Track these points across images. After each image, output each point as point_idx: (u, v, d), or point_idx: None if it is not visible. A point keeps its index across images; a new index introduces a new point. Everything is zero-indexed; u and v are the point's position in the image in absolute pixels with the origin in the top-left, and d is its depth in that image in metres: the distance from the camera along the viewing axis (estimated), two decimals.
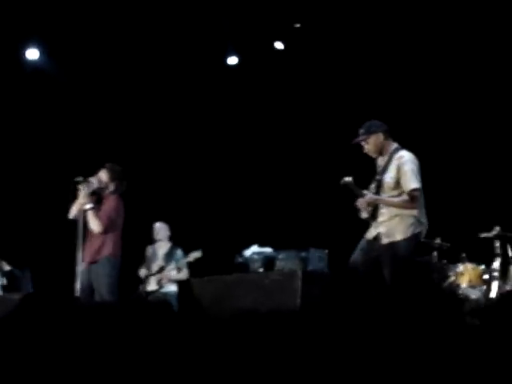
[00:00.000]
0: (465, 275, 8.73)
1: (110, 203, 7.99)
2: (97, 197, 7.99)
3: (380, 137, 7.21)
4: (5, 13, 10.12)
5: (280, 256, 8.62)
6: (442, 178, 10.04)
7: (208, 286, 5.25)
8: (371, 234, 7.10)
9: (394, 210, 7.04)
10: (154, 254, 10.11)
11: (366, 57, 11.02)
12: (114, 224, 7.92)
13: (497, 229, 8.65)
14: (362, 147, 7.28)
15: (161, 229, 10.19)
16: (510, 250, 9.02)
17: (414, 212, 7.01)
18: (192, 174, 11.99)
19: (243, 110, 11.95)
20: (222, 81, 11.85)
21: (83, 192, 7.82)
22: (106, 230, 7.84)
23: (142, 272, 9.99)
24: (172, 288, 9.73)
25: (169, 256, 9.97)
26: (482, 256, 8.91)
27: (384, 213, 7.07)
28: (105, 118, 11.60)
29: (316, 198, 11.33)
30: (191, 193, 11.88)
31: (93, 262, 7.82)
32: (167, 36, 11.06)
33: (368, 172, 7.31)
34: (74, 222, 7.82)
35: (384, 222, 7.03)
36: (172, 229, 10.35)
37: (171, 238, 10.18)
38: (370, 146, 7.23)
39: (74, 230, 7.85)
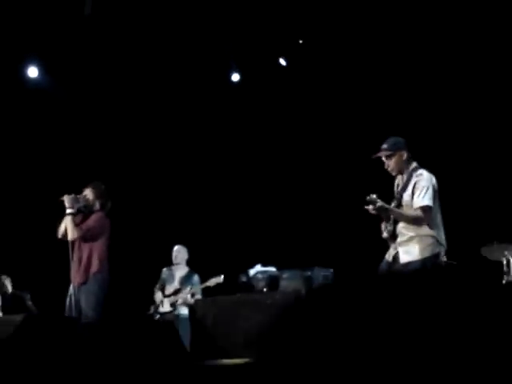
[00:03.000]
0: None
1: (94, 218, 8.00)
2: (83, 215, 7.99)
3: (403, 155, 7.09)
4: (4, 31, 10.10)
5: (284, 275, 8.55)
6: (447, 196, 9.98)
7: (211, 306, 5.17)
8: (390, 254, 7.01)
9: (412, 230, 6.94)
10: (171, 276, 10.09)
11: (369, 72, 10.94)
12: (94, 238, 7.89)
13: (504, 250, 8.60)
14: (383, 162, 7.17)
15: (180, 252, 10.16)
16: None
17: (433, 232, 6.91)
18: (195, 194, 11.93)
19: (247, 130, 11.91)
20: (225, 100, 11.82)
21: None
22: (83, 239, 7.82)
23: (158, 294, 9.99)
24: (185, 311, 9.65)
25: (185, 280, 9.95)
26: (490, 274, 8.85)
27: (403, 233, 6.98)
28: (110, 138, 11.59)
29: (322, 216, 11.26)
30: (195, 213, 11.82)
31: (82, 283, 7.81)
32: (169, 53, 11.03)
33: (370, 190, 7.26)
34: (65, 241, 7.87)
35: (402, 242, 6.92)
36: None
37: (189, 263, 10.17)
38: (392, 162, 7.09)
39: (65, 250, 7.89)
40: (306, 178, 11.46)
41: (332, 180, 11.15)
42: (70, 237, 7.80)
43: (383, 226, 7.18)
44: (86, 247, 7.88)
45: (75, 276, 7.84)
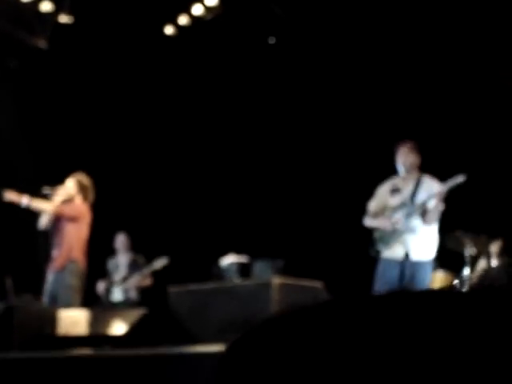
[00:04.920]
0: (435, 282, 8.84)
1: (72, 204, 8.17)
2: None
3: (417, 161, 7.51)
4: None
5: (256, 265, 8.69)
6: None
7: (185, 296, 5.33)
8: (399, 252, 7.30)
9: (429, 229, 7.34)
10: (116, 264, 10.12)
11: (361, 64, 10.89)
12: (71, 223, 8.03)
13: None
14: (398, 150, 7.49)
15: (121, 239, 10.20)
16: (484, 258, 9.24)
17: (437, 234, 7.38)
18: (169, 182, 11.90)
19: (220, 117, 11.90)
20: (198, 88, 11.81)
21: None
22: (58, 214, 8.01)
23: (101, 284, 10.00)
24: (135, 297, 9.79)
25: (131, 266, 9.97)
26: (453, 263, 9.02)
27: (421, 230, 7.34)
28: (71, 127, 11.54)
29: (294, 206, 11.32)
30: (167, 202, 11.81)
31: (59, 270, 7.94)
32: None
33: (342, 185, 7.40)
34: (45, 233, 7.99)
35: (418, 238, 7.31)
36: (148, 239, 10.37)
37: (133, 248, 10.18)
38: (414, 156, 7.49)
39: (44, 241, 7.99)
40: (280, 167, 11.48)
41: (305, 171, 11.21)
42: (45, 210, 7.97)
43: (397, 217, 7.38)
44: (65, 235, 8.01)
45: (53, 263, 7.98)
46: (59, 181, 8.34)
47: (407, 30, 10.34)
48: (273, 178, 11.45)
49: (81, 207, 8.20)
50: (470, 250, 8.73)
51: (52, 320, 6.10)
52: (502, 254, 9.40)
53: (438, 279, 8.87)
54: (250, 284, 4.99)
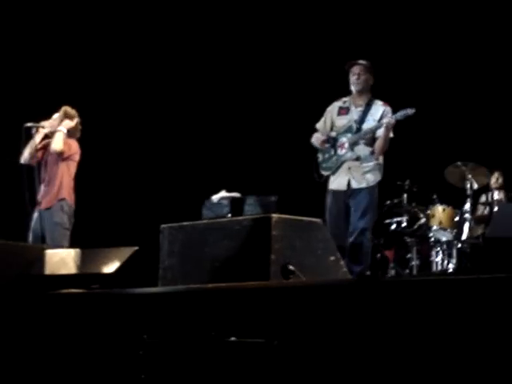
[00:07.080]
0: (435, 217, 8.68)
1: (70, 141, 7.91)
2: (49, 141, 7.91)
3: (371, 80, 7.33)
4: None
5: (248, 201, 8.54)
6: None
7: (179, 233, 5.11)
8: (340, 183, 7.23)
9: (375, 158, 7.23)
10: None
11: None
12: (60, 159, 7.81)
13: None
14: (350, 71, 7.33)
15: None
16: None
17: (382, 163, 7.26)
18: (158, 124, 11.67)
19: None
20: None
21: (36, 137, 7.73)
22: (63, 156, 7.78)
23: None
24: None
25: None
26: (453, 198, 8.89)
27: (368, 159, 7.24)
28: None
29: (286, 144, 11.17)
30: (158, 143, 11.60)
31: (47, 208, 7.71)
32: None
33: None
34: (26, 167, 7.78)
35: (362, 167, 7.20)
36: (139, 180, 10.17)
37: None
38: (365, 78, 7.29)
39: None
40: (268, 104, 11.31)
41: (292, 107, 11.01)
42: (56, 149, 7.71)
43: (345, 146, 7.19)
44: (57, 171, 7.79)
45: (41, 200, 7.74)
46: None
47: None
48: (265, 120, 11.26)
49: (72, 144, 7.95)
50: (470, 184, 8.59)
51: (39, 259, 5.91)
52: (502, 186, 9.29)
53: (438, 214, 8.71)
54: (247, 220, 4.74)
